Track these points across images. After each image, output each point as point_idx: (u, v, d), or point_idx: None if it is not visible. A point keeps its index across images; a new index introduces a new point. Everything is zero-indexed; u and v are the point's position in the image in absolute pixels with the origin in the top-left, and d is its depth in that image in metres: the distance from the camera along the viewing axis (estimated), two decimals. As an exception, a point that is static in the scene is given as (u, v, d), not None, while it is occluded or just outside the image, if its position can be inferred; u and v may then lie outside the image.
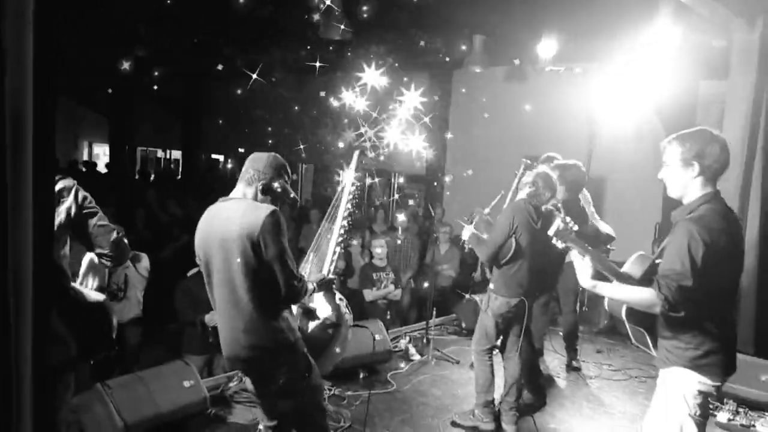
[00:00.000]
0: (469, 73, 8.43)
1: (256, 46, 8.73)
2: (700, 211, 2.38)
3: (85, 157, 17.85)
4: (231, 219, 2.58)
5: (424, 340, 5.56)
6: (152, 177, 15.31)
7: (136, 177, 14.92)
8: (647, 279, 2.48)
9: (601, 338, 6.14)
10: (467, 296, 6.11)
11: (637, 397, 4.71)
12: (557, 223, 2.62)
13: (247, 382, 3.01)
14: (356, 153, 3.17)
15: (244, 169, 2.73)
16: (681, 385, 2.41)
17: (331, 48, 7.52)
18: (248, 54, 8.85)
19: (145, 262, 5.20)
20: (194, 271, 5.30)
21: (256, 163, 2.70)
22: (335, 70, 8.53)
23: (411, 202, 10.36)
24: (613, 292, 2.48)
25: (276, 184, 2.67)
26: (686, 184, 2.45)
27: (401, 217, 7.57)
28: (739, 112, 5.26)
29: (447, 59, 8.80)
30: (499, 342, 5.02)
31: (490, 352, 4.02)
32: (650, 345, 2.61)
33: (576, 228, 2.67)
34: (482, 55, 7.76)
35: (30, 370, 1.27)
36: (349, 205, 3.14)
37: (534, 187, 3.90)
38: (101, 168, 15.68)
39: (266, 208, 2.55)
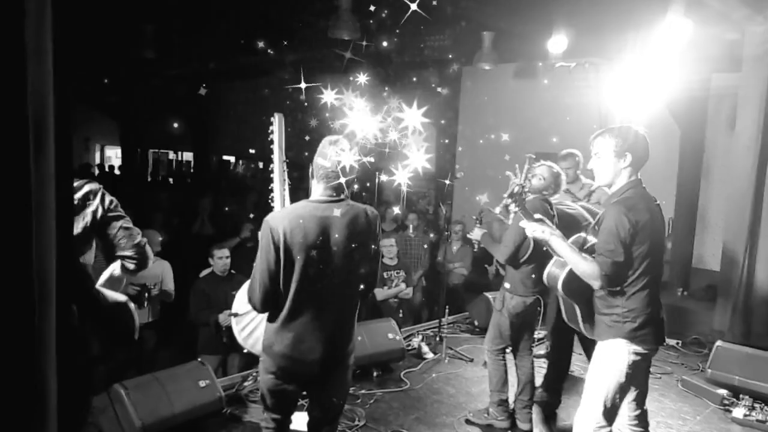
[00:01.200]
0: (479, 70, 8.41)
1: (266, 47, 8.75)
2: (626, 194, 2.69)
3: (98, 161, 18.00)
4: (351, 226, 2.50)
5: (437, 339, 5.57)
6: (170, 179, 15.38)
7: (149, 179, 15.02)
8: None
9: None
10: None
11: (651, 394, 4.66)
12: (512, 187, 2.90)
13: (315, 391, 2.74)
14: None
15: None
16: (619, 355, 2.68)
17: (340, 47, 7.52)
18: (258, 55, 8.87)
19: (168, 282, 5.32)
20: (207, 272, 5.34)
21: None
22: (345, 70, 8.53)
23: (421, 200, 10.36)
24: (566, 251, 2.68)
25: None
26: (617, 173, 2.74)
27: (411, 216, 7.55)
28: (752, 105, 5.23)
29: (456, 56, 8.78)
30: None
31: (504, 351, 4.02)
32: (580, 321, 2.89)
33: (531, 197, 3.16)
34: (492, 52, 7.73)
35: (55, 372, 1.28)
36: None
37: (543, 180, 3.88)
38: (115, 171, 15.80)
39: (372, 209, 2.61)
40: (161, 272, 5.26)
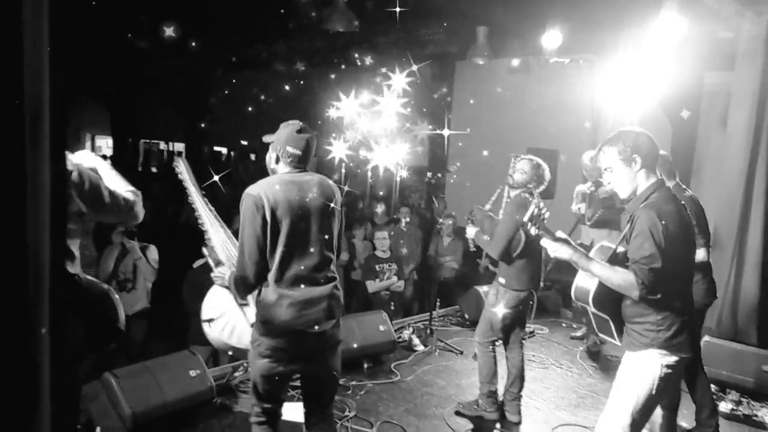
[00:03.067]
0: (473, 65, 8.41)
1: (261, 39, 8.72)
2: (652, 198, 2.56)
3: (88, 150, 17.86)
4: (319, 188, 2.71)
5: (428, 331, 5.59)
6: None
7: (139, 170, 14.93)
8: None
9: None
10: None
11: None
12: (531, 209, 2.72)
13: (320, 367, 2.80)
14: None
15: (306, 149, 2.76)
16: (651, 366, 2.55)
17: (335, 39, 7.51)
18: (253, 46, 8.84)
19: (153, 253, 5.21)
20: (200, 262, 5.32)
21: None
22: (340, 62, 8.52)
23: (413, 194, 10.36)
24: (595, 267, 2.56)
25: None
26: (633, 179, 2.61)
27: (404, 209, 7.56)
28: (745, 104, 5.26)
29: (450, 51, 8.78)
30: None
31: (494, 343, 4.05)
32: (614, 333, 2.75)
33: (548, 215, 2.91)
34: (485, 47, 7.73)
35: (48, 358, 1.29)
36: None
37: (525, 174, 3.89)
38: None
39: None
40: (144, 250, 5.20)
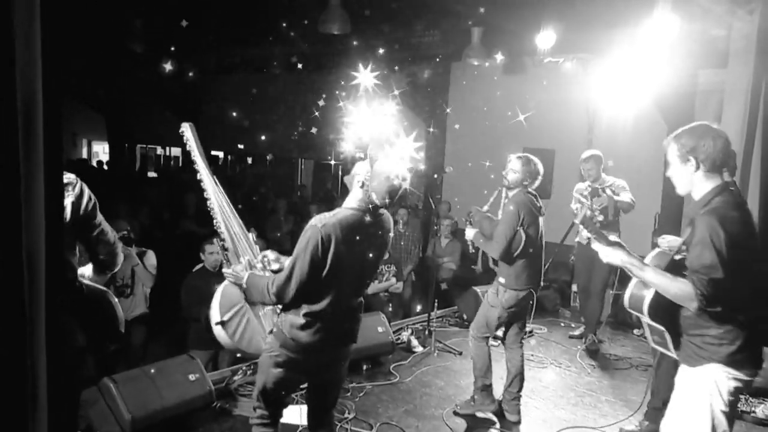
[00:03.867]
0: (468, 66, 8.42)
1: (255, 42, 8.72)
2: (714, 203, 2.38)
3: (85, 155, 17.84)
4: (379, 233, 2.72)
5: (426, 332, 5.59)
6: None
7: (137, 175, 14.92)
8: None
9: (602, 328, 6.16)
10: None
11: (638, 386, 4.73)
12: (584, 212, 2.66)
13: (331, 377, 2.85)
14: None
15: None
16: (715, 382, 2.38)
17: (330, 42, 7.52)
18: (247, 49, 8.84)
19: (151, 259, 5.20)
20: (199, 267, 5.33)
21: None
22: (335, 65, 8.53)
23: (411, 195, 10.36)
24: (657, 278, 2.41)
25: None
26: (690, 180, 2.46)
27: (402, 211, 7.57)
28: (738, 101, 5.28)
29: (445, 52, 8.78)
30: (500, 332, 5.07)
31: (487, 339, 4.08)
32: (670, 345, 2.59)
33: (601, 218, 2.66)
34: (480, 47, 7.74)
35: (45, 361, 1.29)
36: None
37: (517, 173, 3.90)
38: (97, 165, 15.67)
39: (389, 214, 2.83)
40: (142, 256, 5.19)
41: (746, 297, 2.37)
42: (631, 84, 5.66)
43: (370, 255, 2.66)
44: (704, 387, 2.39)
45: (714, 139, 2.40)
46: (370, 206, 2.63)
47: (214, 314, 3.04)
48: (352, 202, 2.65)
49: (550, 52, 6.43)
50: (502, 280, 3.92)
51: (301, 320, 2.58)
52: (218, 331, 3.01)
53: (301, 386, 2.93)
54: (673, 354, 2.58)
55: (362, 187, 2.62)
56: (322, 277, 2.53)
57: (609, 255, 2.54)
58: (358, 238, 2.57)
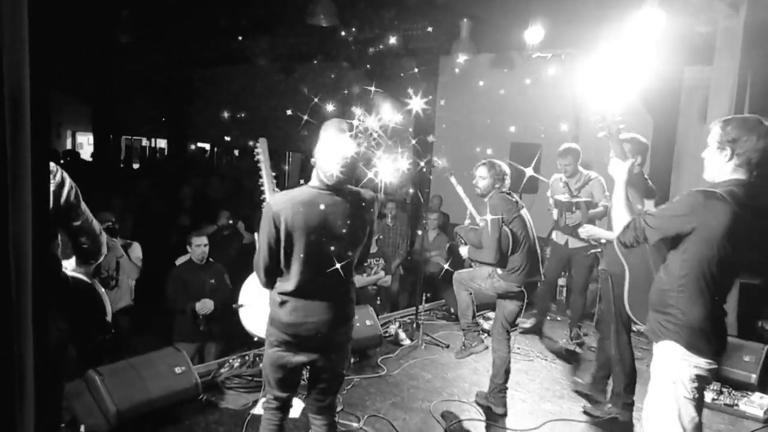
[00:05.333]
0: (456, 60, 8.42)
1: (244, 33, 8.65)
2: (719, 187, 2.39)
3: (69, 146, 17.63)
4: (348, 207, 2.64)
5: (414, 325, 5.61)
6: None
7: (122, 166, 14.78)
8: None
9: (587, 322, 6.22)
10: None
11: (623, 379, 4.78)
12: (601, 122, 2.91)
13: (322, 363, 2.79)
14: None
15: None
16: (677, 368, 2.45)
17: (318, 35, 7.48)
18: (235, 40, 8.77)
19: (137, 251, 5.17)
20: (184, 259, 5.30)
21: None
22: (324, 57, 8.49)
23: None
24: (620, 201, 2.62)
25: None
26: (720, 168, 2.45)
27: (390, 204, 7.57)
28: (723, 97, 5.33)
29: (433, 46, 8.77)
30: (487, 326, 5.12)
31: (466, 290, 4.35)
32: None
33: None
34: (469, 42, 7.74)
35: (32, 352, 1.27)
36: None
37: (486, 179, 4.01)
38: (86, 157, 15.49)
39: (370, 193, 2.75)
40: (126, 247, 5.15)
41: (704, 286, 2.41)
42: (618, 80, 5.69)
43: (339, 231, 2.59)
44: (666, 368, 2.48)
45: (759, 138, 2.36)
46: (327, 183, 2.59)
47: (240, 297, 3.35)
48: (312, 180, 2.66)
49: (538, 48, 6.45)
50: (499, 271, 3.98)
51: (278, 299, 2.64)
52: (240, 312, 3.31)
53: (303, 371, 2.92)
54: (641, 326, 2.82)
55: (313, 165, 2.65)
56: (282, 254, 2.57)
57: (616, 167, 2.72)
58: (313, 214, 2.54)
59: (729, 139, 2.40)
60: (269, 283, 2.68)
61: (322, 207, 2.57)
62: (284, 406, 2.83)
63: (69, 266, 2.51)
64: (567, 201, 5.22)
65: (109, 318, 2.50)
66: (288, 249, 2.58)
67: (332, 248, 2.60)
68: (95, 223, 2.47)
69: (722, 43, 5.38)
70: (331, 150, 2.56)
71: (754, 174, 2.40)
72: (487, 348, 4.24)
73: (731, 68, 5.25)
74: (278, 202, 2.58)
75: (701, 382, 2.46)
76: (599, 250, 4.34)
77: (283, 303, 2.63)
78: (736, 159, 2.39)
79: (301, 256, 2.57)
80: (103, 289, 2.56)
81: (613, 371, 4.00)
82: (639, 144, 3.87)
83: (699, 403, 2.47)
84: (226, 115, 12.26)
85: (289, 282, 2.62)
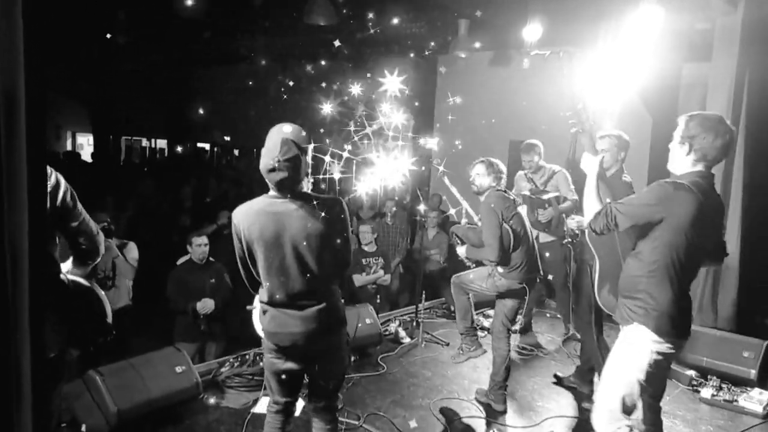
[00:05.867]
0: (454, 58, 8.43)
1: (242, 33, 8.65)
2: (675, 178, 2.59)
3: (69, 147, 17.63)
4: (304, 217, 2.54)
5: (414, 324, 5.62)
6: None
7: (121, 166, 14.77)
8: None
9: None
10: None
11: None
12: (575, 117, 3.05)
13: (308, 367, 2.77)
14: None
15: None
16: (638, 345, 2.59)
17: (316, 33, 7.49)
18: (234, 40, 8.78)
19: (133, 252, 5.17)
20: (185, 259, 5.31)
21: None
22: (322, 57, 8.49)
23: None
24: (591, 190, 2.76)
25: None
26: (681, 161, 2.63)
27: (389, 203, 7.57)
28: (721, 94, 5.33)
29: (431, 44, 8.78)
30: (487, 324, 5.12)
31: (465, 293, 4.30)
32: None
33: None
34: (467, 40, 7.75)
35: (29, 352, 1.28)
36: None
37: (482, 176, 4.03)
38: (87, 158, 15.48)
39: (333, 199, 2.60)
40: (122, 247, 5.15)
41: (673, 272, 2.56)
42: (617, 77, 5.69)
43: (298, 239, 2.51)
44: (629, 348, 2.63)
45: (717, 136, 2.54)
46: (277, 190, 2.54)
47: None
48: (271, 191, 2.62)
49: (536, 45, 6.45)
50: (500, 269, 3.97)
51: (261, 307, 2.68)
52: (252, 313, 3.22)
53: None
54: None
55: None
56: (250, 264, 2.61)
57: (588, 161, 2.85)
58: (268, 222, 2.51)
59: (689, 135, 2.58)
60: (254, 291, 2.74)
61: (275, 215, 2.52)
62: (285, 410, 2.82)
63: (65, 269, 2.51)
64: (537, 197, 5.27)
65: (109, 320, 2.51)
66: (252, 259, 2.60)
67: (294, 257, 2.53)
68: (92, 224, 2.47)
69: (720, 40, 5.38)
70: (267, 154, 2.48)
71: (710, 168, 2.60)
72: (485, 352, 4.22)
73: (729, 65, 5.24)
74: (237, 214, 2.60)
75: (658, 367, 2.61)
76: (570, 240, 4.35)
77: (264, 312, 2.67)
78: (694, 154, 2.58)
79: (264, 265, 2.56)
80: (102, 292, 2.56)
81: (596, 362, 4.02)
82: (622, 140, 4.07)
83: (651, 385, 2.66)
84: (223, 115, 12.28)
85: (264, 291, 2.63)
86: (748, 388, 4.42)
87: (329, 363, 2.73)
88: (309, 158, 2.60)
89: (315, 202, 2.54)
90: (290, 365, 2.69)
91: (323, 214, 2.54)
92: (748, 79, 5.24)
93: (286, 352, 2.66)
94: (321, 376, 2.76)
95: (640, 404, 2.74)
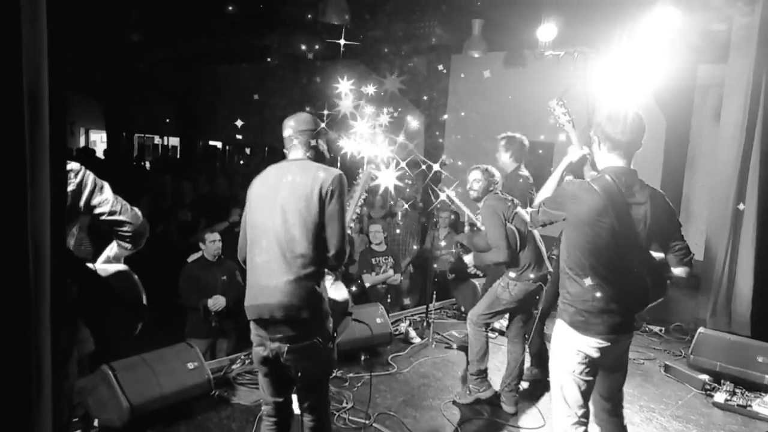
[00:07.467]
0: (468, 58, 8.40)
1: (256, 31, 8.68)
2: (596, 174, 2.63)
3: (82, 144, 17.76)
4: (297, 176, 2.59)
5: (424, 324, 5.61)
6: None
7: (133, 163, 14.85)
8: None
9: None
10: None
11: (634, 379, 4.76)
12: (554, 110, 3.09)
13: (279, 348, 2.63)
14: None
15: (287, 135, 2.73)
16: (562, 342, 2.62)
17: (331, 33, 7.49)
18: (247, 38, 8.81)
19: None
20: (197, 256, 5.33)
21: (299, 125, 2.71)
22: (336, 55, 8.49)
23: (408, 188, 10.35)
24: (555, 177, 2.86)
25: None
26: (598, 156, 2.66)
27: (400, 203, 7.57)
28: (738, 96, 5.28)
29: (446, 44, 8.76)
30: (498, 325, 5.09)
31: (487, 326, 4.11)
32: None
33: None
34: (481, 40, 7.72)
35: (49, 347, 1.29)
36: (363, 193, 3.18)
37: (479, 182, 4.06)
38: (99, 155, 15.59)
39: (336, 170, 2.62)
40: None
41: (600, 271, 2.51)
42: (631, 78, 5.66)
43: (283, 203, 2.54)
44: (556, 344, 2.67)
45: (609, 123, 2.55)
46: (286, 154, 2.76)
47: None
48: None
49: (550, 46, 6.42)
50: (512, 274, 3.94)
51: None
52: None
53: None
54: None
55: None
56: (245, 226, 2.69)
57: (572, 152, 2.87)
58: (265, 184, 2.66)
59: (594, 129, 2.63)
60: (244, 264, 2.72)
61: (272, 178, 2.65)
62: (276, 413, 2.74)
63: (110, 253, 2.48)
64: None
65: (144, 300, 2.47)
66: (245, 221, 2.71)
67: (273, 221, 2.54)
68: (130, 213, 2.38)
69: (737, 41, 5.32)
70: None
71: (627, 160, 2.59)
72: (495, 393, 4.11)
73: (746, 66, 5.19)
74: (257, 176, 2.74)
75: (590, 365, 2.57)
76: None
77: (247, 283, 2.68)
78: (602, 146, 2.60)
79: (246, 228, 2.67)
80: (135, 276, 2.49)
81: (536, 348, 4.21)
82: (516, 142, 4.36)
83: (586, 380, 2.59)
84: (238, 113, 12.32)
85: (247, 254, 2.67)
86: (762, 393, 4.38)
87: (303, 358, 2.57)
88: (322, 140, 2.77)
89: (313, 171, 2.59)
90: (269, 353, 2.58)
91: (314, 184, 2.53)
92: (766, 80, 5.18)
93: (261, 333, 2.59)
94: (294, 370, 2.61)
95: (590, 401, 2.67)
